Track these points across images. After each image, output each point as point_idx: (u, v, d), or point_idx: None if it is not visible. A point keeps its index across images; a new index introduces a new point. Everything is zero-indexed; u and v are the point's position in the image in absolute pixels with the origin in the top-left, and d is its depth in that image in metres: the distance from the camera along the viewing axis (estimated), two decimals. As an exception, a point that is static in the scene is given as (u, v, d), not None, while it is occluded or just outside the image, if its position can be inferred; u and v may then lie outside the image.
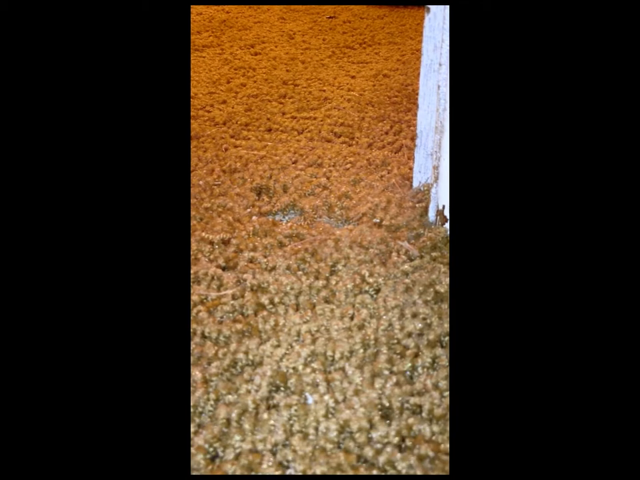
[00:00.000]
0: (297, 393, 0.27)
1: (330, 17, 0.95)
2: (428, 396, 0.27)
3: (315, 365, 0.28)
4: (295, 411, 0.26)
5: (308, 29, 0.89)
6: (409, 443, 0.25)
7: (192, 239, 0.38)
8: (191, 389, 0.27)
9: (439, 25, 0.38)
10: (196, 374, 0.28)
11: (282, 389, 0.28)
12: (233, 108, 0.61)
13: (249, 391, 0.27)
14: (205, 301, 0.33)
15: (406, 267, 0.35)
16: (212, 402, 0.27)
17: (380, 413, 0.26)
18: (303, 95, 0.64)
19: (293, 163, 0.49)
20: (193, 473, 0.24)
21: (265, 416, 0.26)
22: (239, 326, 0.31)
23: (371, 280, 0.34)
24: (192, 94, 0.64)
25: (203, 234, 0.38)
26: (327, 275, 0.35)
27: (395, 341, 0.30)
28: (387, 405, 0.26)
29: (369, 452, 0.24)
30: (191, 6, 0.96)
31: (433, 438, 0.25)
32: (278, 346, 0.30)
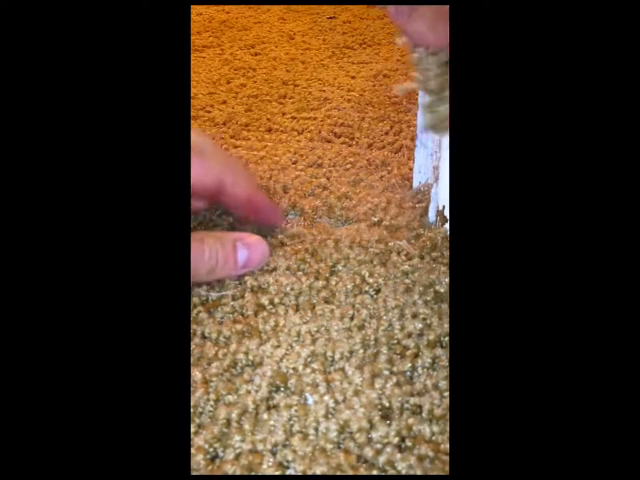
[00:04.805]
0: (297, 393, 0.27)
1: (330, 18, 0.95)
2: (428, 396, 0.27)
3: (315, 366, 0.28)
4: (295, 411, 0.26)
5: (308, 30, 0.89)
6: (409, 443, 0.25)
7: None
8: (191, 389, 0.27)
9: (439, 25, 0.38)
10: (196, 374, 0.28)
11: (282, 389, 0.28)
12: (233, 108, 0.61)
13: (249, 392, 0.27)
14: (205, 301, 0.33)
15: (406, 267, 0.35)
16: (212, 402, 0.27)
17: (380, 413, 0.26)
18: (303, 95, 0.64)
19: (293, 164, 0.49)
20: (193, 473, 0.24)
21: (265, 416, 0.26)
22: (239, 326, 0.31)
23: (370, 280, 0.34)
24: (192, 94, 0.64)
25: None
26: (327, 275, 0.35)
27: (395, 341, 0.30)
28: (387, 405, 0.26)
29: (368, 452, 0.24)
30: (191, 6, 0.96)
31: (433, 438, 0.25)
32: (278, 346, 0.30)
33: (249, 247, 0.33)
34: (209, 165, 0.34)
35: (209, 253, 0.31)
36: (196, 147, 0.34)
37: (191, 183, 0.33)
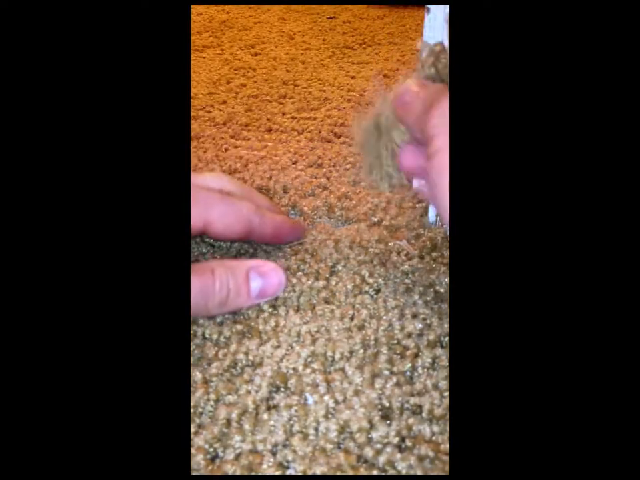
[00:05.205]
0: (297, 393, 0.27)
1: (330, 18, 0.95)
2: (428, 396, 0.27)
3: (315, 366, 0.28)
4: (295, 411, 0.26)
5: (308, 30, 0.89)
6: (409, 443, 0.25)
7: (192, 241, 0.38)
8: (191, 389, 0.27)
9: (439, 25, 0.38)
10: (196, 374, 0.28)
11: (282, 389, 0.28)
12: (233, 108, 0.61)
13: (249, 392, 0.27)
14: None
15: (406, 267, 0.35)
16: (212, 402, 0.27)
17: (380, 413, 0.26)
18: (303, 95, 0.64)
19: (293, 164, 0.49)
20: (193, 473, 0.24)
21: (265, 416, 0.26)
22: (239, 327, 0.31)
23: (370, 280, 0.34)
24: (192, 94, 0.64)
25: (203, 235, 0.38)
26: (327, 275, 0.35)
27: (395, 342, 0.30)
28: (387, 405, 0.26)
29: (369, 452, 0.24)
30: (191, 6, 0.96)
31: (433, 438, 0.25)
32: (278, 347, 0.30)
33: (263, 276, 0.31)
34: (239, 211, 0.33)
35: (220, 284, 0.29)
36: (224, 189, 0.34)
37: (222, 229, 0.33)
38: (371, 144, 0.33)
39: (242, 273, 0.31)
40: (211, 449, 0.25)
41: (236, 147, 0.53)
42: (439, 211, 0.28)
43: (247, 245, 0.37)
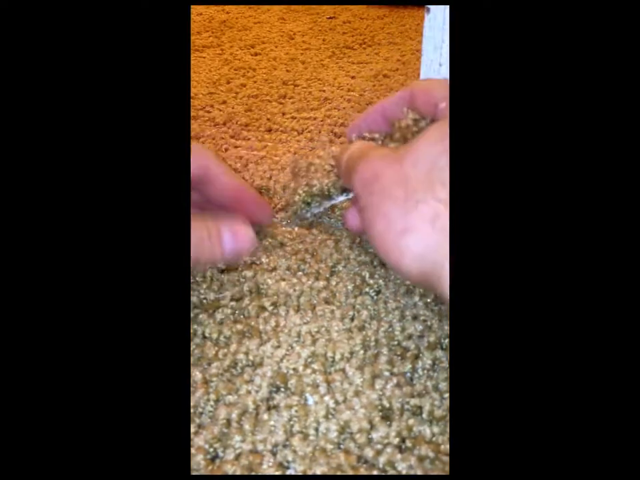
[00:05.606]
0: (297, 393, 0.27)
1: (330, 18, 0.95)
2: (428, 397, 0.27)
3: (315, 366, 0.28)
4: (295, 411, 0.26)
5: (308, 30, 0.89)
6: (409, 443, 0.25)
7: (192, 240, 0.38)
8: (191, 389, 0.27)
9: (439, 25, 0.38)
10: (196, 374, 0.28)
11: (282, 389, 0.27)
12: (233, 108, 0.61)
13: (249, 392, 0.27)
14: (204, 301, 0.33)
15: (406, 267, 0.35)
16: (212, 402, 0.27)
17: (380, 413, 0.26)
18: (303, 95, 0.64)
19: (293, 164, 0.49)
20: (193, 473, 0.24)
21: (265, 416, 0.26)
22: (239, 326, 0.31)
23: (371, 281, 0.34)
24: (192, 94, 0.64)
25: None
26: (327, 275, 0.35)
27: (396, 343, 0.30)
28: (388, 406, 0.26)
29: (369, 452, 0.24)
30: (191, 6, 0.96)
31: (433, 439, 0.25)
32: (278, 347, 0.29)
33: (235, 234, 0.32)
34: (194, 153, 0.33)
35: (194, 239, 0.30)
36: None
37: None
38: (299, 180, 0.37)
39: (215, 229, 0.32)
40: (211, 449, 0.25)
41: (236, 147, 0.53)
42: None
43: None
